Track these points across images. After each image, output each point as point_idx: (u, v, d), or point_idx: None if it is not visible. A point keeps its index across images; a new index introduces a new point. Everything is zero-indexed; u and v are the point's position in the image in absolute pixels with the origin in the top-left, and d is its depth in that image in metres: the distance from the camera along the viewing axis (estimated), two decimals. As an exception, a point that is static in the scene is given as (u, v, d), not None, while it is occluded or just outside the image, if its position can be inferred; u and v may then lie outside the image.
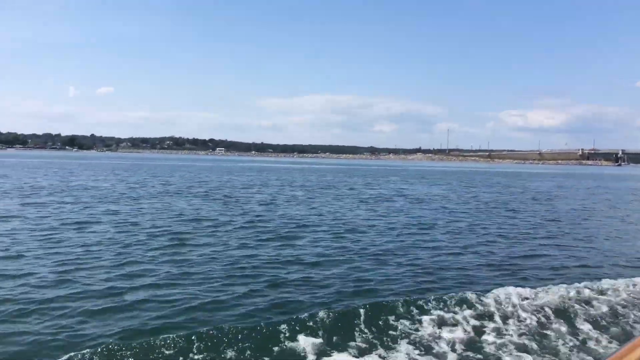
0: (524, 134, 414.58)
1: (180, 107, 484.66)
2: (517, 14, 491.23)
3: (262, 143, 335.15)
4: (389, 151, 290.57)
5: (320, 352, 5.56)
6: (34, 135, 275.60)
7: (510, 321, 6.73)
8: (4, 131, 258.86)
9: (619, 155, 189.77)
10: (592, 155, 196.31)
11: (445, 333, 6.21)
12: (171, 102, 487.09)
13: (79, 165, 65.09)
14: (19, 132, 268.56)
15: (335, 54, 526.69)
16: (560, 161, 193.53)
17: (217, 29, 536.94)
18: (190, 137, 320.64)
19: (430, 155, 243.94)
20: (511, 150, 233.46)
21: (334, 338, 5.97)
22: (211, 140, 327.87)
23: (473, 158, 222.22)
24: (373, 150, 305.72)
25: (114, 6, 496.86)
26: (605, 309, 7.35)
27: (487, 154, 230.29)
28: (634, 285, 8.60)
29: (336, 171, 71.19)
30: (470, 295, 7.43)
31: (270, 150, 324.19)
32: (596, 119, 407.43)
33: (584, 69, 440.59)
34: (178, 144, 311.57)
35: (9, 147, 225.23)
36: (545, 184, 47.76)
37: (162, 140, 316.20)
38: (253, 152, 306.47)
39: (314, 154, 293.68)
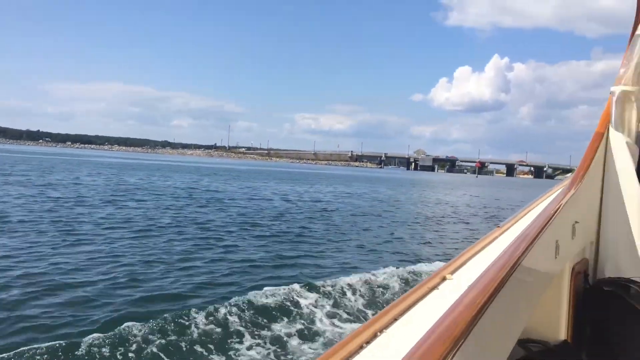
0: (316, 136, 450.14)
1: None
2: (323, 19, 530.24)
3: (38, 131, 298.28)
4: (182, 146, 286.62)
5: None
6: None
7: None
8: None
9: (382, 159, 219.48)
10: (360, 158, 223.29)
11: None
12: None
13: None
14: None
15: (135, 42, 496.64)
16: (331, 162, 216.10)
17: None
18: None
19: (209, 151, 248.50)
20: (288, 150, 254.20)
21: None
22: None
23: (252, 156, 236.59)
24: (165, 145, 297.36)
25: None
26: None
27: (266, 152, 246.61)
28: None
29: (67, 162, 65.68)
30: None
31: (47, 139, 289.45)
32: (379, 125, 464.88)
33: (371, 81, 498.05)
34: None
35: None
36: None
37: None
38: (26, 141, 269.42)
39: (100, 146, 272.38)
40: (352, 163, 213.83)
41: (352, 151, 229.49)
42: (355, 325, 6.06)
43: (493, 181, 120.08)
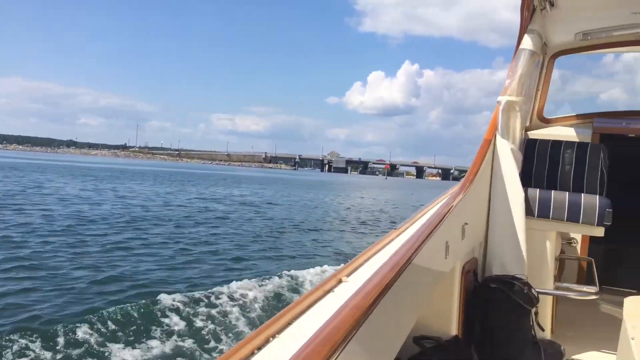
0: (232, 137, 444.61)
1: None
2: (239, 19, 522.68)
3: None
4: (89, 146, 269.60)
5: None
6: None
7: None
8: None
9: (296, 160, 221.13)
10: (274, 159, 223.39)
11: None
12: None
13: None
14: None
15: (36, 36, 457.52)
16: (245, 163, 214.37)
17: None
18: None
19: (116, 151, 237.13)
20: (200, 151, 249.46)
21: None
22: None
23: (162, 156, 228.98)
24: (71, 144, 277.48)
25: None
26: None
27: (176, 152, 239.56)
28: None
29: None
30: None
31: None
32: (295, 127, 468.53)
33: (288, 83, 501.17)
34: None
35: None
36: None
37: None
38: None
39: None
40: (265, 165, 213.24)
41: (266, 152, 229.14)
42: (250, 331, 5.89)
43: (402, 183, 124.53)
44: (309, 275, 10.42)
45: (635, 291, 2.15)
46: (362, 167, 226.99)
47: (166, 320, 7.31)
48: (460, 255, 2.49)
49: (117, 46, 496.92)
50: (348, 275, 1.54)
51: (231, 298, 8.45)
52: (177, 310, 7.66)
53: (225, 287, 8.89)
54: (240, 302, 8.38)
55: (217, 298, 8.36)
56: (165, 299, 7.98)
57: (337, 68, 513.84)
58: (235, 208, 26.64)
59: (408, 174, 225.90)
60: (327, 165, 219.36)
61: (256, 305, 8.38)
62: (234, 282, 9.29)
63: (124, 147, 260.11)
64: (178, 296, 8.19)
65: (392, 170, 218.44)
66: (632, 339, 1.95)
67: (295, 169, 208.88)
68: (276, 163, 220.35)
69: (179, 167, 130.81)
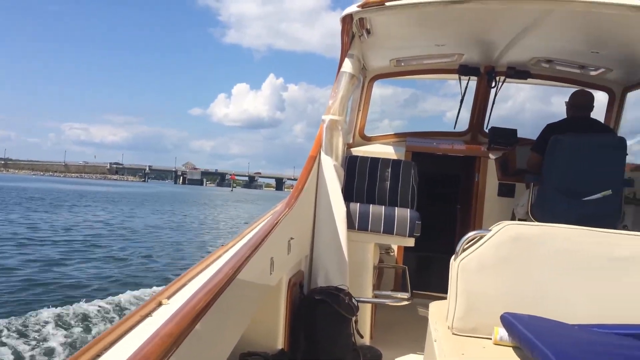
0: (87, 148, 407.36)
1: None
2: (95, 23, 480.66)
3: None
4: None
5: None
6: None
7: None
8: None
9: (146, 172, 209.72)
10: (121, 170, 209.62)
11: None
12: None
13: None
14: None
15: None
16: (84, 174, 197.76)
17: None
18: None
19: None
20: (33, 161, 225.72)
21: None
22: None
23: None
24: None
25: None
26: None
27: (2, 162, 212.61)
28: None
29: None
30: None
31: None
32: (157, 138, 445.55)
33: (149, 92, 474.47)
34: None
35: None
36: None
37: None
38: None
39: None
40: (109, 176, 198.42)
41: (110, 163, 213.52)
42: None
43: (242, 194, 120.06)
44: (127, 299, 9.74)
45: (441, 295, 2.49)
46: (220, 178, 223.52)
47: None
48: (286, 269, 2.63)
49: None
50: (169, 297, 1.51)
51: (22, 334, 7.49)
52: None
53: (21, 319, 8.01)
54: (37, 336, 7.46)
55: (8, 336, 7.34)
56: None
57: (201, 79, 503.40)
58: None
59: (268, 185, 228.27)
60: (181, 177, 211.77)
61: (59, 339, 7.51)
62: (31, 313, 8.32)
63: None
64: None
65: (250, 182, 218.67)
66: (435, 341, 2.26)
67: (144, 181, 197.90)
68: (122, 174, 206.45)
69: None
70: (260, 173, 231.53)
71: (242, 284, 1.67)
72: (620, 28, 3.41)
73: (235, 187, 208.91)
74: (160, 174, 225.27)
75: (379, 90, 5.43)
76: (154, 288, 10.70)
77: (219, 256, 2.03)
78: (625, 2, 2.76)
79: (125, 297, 10.01)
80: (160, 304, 1.43)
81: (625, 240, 2.23)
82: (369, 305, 3.38)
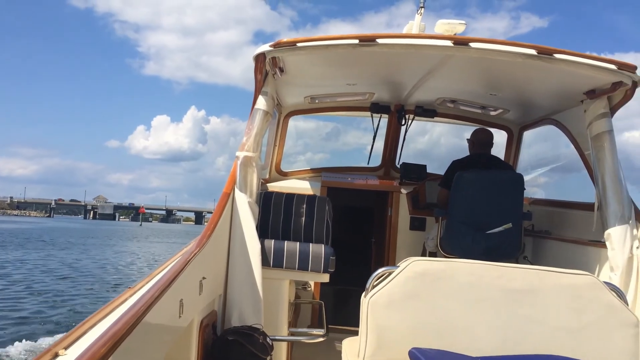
0: None
1: None
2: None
3: None
4: None
5: None
6: None
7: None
8: None
9: (51, 206, 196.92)
10: (23, 205, 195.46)
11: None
12: None
13: None
14: None
15: None
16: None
17: None
18: None
19: None
20: None
21: None
22: None
23: None
24: None
25: None
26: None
27: None
28: None
29: None
30: None
31: None
32: (71, 172, 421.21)
33: (60, 123, 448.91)
34: None
35: None
36: None
37: None
38: None
39: None
40: (9, 211, 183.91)
41: (11, 197, 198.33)
42: None
43: (151, 230, 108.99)
44: (18, 350, 8.90)
45: (357, 329, 2.56)
46: (135, 212, 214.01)
47: None
48: (197, 310, 2.59)
49: None
50: (67, 347, 1.43)
51: None
52: None
53: None
54: None
55: None
56: None
57: (119, 110, 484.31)
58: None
59: (187, 219, 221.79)
60: (91, 212, 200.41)
61: None
62: None
63: None
64: None
65: (168, 215, 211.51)
66: None
67: (49, 217, 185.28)
68: (24, 210, 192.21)
69: None
70: (176, 207, 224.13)
71: (148, 329, 1.62)
72: (514, 73, 3.79)
73: (151, 221, 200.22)
74: (72, 209, 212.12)
75: (301, 123, 5.61)
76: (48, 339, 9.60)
77: (125, 300, 1.97)
78: (517, 50, 3.09)
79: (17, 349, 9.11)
80: (56, 355, 1.36)
81: (519, 273, 2.42)
82: (284, 343, 3.39)
